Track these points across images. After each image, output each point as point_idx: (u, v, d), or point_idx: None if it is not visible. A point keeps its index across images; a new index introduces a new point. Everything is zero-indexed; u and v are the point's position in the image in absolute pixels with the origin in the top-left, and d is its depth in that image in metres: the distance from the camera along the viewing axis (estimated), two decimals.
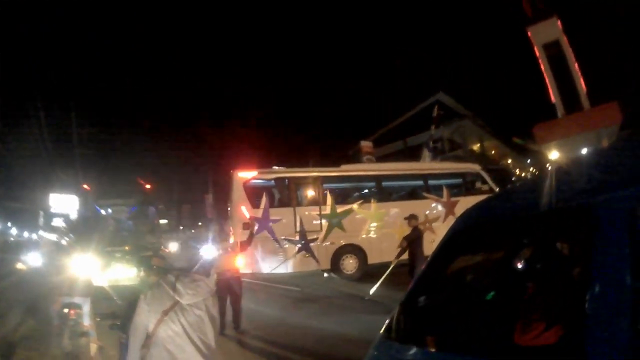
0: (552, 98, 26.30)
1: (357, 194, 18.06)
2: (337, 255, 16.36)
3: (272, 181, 16.58)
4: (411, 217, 12.16)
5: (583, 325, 2.12)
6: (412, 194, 18.46)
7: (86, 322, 8.55)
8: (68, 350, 8.25)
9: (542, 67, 26.36)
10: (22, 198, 46.81)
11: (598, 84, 25.80)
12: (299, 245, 15.06)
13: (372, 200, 16.30)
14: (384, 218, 15.82)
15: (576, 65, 25.31)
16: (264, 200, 15.13)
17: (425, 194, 17.57)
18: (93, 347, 8.74)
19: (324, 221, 15.84)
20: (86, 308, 8.64)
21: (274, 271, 15.66)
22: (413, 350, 3.17)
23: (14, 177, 42.44)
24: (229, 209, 17.16)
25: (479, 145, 42.90)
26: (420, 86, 43.73)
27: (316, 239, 15.28)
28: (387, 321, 3.45)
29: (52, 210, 49.58)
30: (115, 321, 5.41)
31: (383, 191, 17.99)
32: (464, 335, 3.20)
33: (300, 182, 17.19)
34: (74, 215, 43.33)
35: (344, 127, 39.18)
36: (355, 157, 28.02)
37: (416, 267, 11.17)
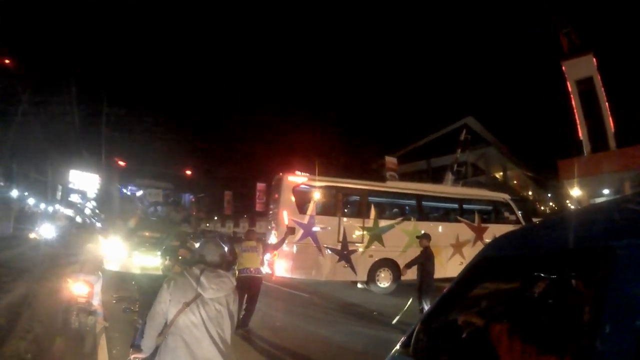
0: (580, 134, 26.11)
1: (396, 210, 18.06)
2: (374, 268, 16.15)
3: (320, 189, 16.32)
4: (423, 237, 12.06)
5: None
6: (447, 216, 18.62)
7: (95, 301, 8.63)
8: (74, 327, 8.29)
9: (573, 102, 26.16)
10: (43, 170, 47.13)
11: (627, 126, 25.64)
12: (340, 255, 15.24)
13: (412, 218, 16.67)
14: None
15: (607, 104, 25.11)
16: (311, 206, 15.29)
17: (459, 218, 17.83)
18: (99, 327, 8.87)
19: (365, 233, 15.91)
20: (97, 287, 8.70)
21: (311, 278, 15.77)
22: None
23: (38, 149, 42.66)
24: (272, 210, 17.13)
25: (501, 173, 42.70)
26: (450, 109, 43.68)
27: (356, 250, 15.47)
28: (405, 336, 3.49)
29: (71, 185, 49.95)
30: (129, 305, 5.43)
31: (422, 210, 18.01)
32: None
33: (347, 193, 17.23)
34: (92, 193, 43.62)
35: (370, 141, 39.03)
36: (378, 172, 28.03)
37: (422, 288, 11.27)
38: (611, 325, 2.14)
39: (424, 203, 18.09)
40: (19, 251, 20.77)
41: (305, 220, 15.04)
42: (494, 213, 19.57)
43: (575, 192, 27.73)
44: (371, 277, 16.01)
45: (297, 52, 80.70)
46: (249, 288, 10.08)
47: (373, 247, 15.94)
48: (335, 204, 16.45)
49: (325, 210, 16.04)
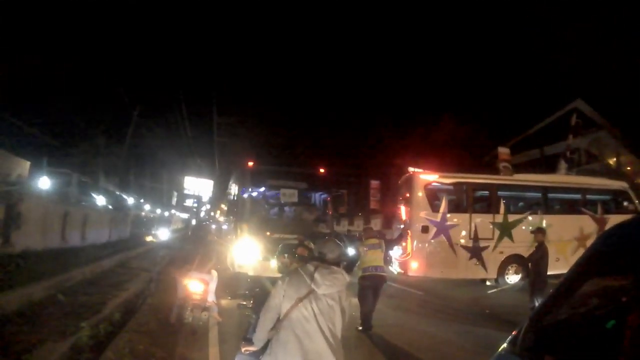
0: None
1: (523, 203, 17.75)
2: (504, 265, 15.93)
3: (451, 186, 16.26)
4: (537, 231, 11.70)
5: None
6: (571, 208, 17.90)
7: (210, 298, 9.02)
8: (187, 322, 8.69)
9: None
10: (158, 177, 48.92)
11: None
12: (472, 252, 15.16)
13: (539, 212, 16.27)
14: (549, 230, 14.51)
15: None
16: (443, 204, 15.25)
17: (583, 209, 17.22)
18: (213, 322, 9.16)
19: (495, 229, 15.74)
20: (212, 285, 9.06)
21: (444, 277, 15.72)
22: None
23: (153, 158, 44.32)
24: (401, 208, 16.87)
25: (615, 159, 40.97)
26: (558, 93, 42.23)
27: (487, 247, 15.35)
28: (513, 334, 3.44)
29: (186, 191, 51.68)
30: (244, 301, 5.57)
31: (548, 202, 17.52)
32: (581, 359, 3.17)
33: (476, 189, 17.02)
34: (206, 197, 44.94)
35: (479, 133, 38.17)
36: (490, 164, 27.54)
37: (534, 285, 10.89)
38: None
39: (549, 195, 17.57)
40: (137, 252, 21.61)
41: (438, 218, 14.94)
42: (614, 202, 18.65)
43: None
44: (501, 274, 15.75)
45: (407, 48, 79.80)
46: (376, 287, 9.92)
47: (503, 243, 15.65)
48: (466, 201, 16.29)
49: (456, 207, 15.90)
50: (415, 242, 14.74)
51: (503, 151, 24.14)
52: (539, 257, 11.01)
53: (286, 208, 14.52)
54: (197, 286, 8.77)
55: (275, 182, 14.23)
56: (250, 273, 12.63)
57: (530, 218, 16.22)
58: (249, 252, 12.77)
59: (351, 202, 15.75)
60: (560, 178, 19.83)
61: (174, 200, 53.87)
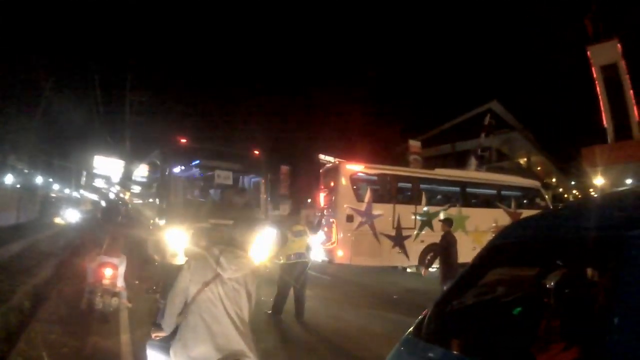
0: (604, 122, 25.93)
1: (442, 196, 18.32)
2: (424, 253, 16.42)
3: (376, 177, 16.61)
4: (444, 222, 12.15)
5: (602, 351, 2.16)
6: (487, 202, 18.85)
7: (120, 283, 8.78)
8: (98, 308, 8.41)
9: (598, 89, 25.97)
10: (68, 156, 47.63)
11: None
12: (395, 241, 15.53)
13: (458, 205, 17.17)
14: (465, 222, 16.52)
15: (631, 92, 24.89)
16: (368, 194, 15.45)
17: (498, 204, 18.35)
18: (123, 308, 8.98)
19: (417, 219, 16.28)
20: (121, 269, 8.82)
21: (368, 264, 15.92)
22: (437, 350, 3.24)
23: (62, 135, 43.07)
24: (324, 197, 16.98)
25: (525, 159, 42.43)
26: (474, 92, 43.36)
27: (410, 236, 15.83)
28: (418, 319, 3.51)
29: (95, 171, 50.42)
30: (152, 286, 5.50)
31: (466, 196, 18.36)
32: (488, 343, 3.31)
33: (400, 180, 17.28)
34: (116, 177, 44.06)
35: (393, 124, 38.72)
36: (402, 155, 28.00)
37: (445, 273, 11.18)
38: (623, 315, 2.17)
39: (468, 189, 18.49)
40: (45, 235, 20.92)
41: (363, 207, 15.20)
42: (527, 199, 19.93)
43: (599, 180, 27.64)
44: (422, 261, 16.21)
45: (326, 27, 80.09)
46: (299, 273, 9.92)
47: (424, 232, 16.28)
48: (390, 192, 16.60)
49: (380, 197, 16.15)
50: (340, 231, 14.96)
51: (414, 144, 24.74)
52: (445, 246, 11.41)
53: (212, 191, 14.09)
54: (105, 271, 8.51)
55: (208, 162, 13.60)
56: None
57: (449, 210, 16.85)
58: (180, 240, 12.07)
59: (277, 187, 15.54)
60: (479, 175, 20.85)
61: (83, 180, 52.55)
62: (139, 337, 7.17)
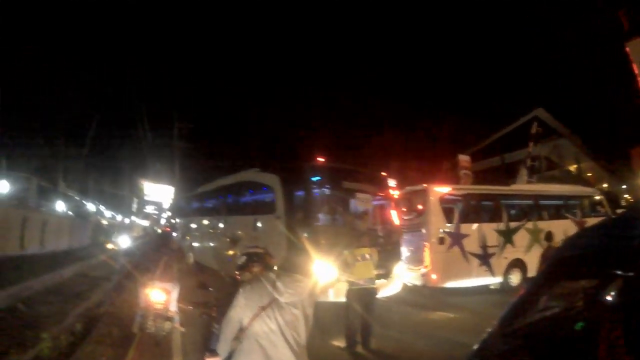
0: None
1: (519, 211, 18.16)
2: (507, 269, 16.45)
3: (462, 197, 16.46)
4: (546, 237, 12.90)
5: None
6: (556, 214, 18.65)
7: (173, 307, 8.75)
8: (150, 331, 8.43)
9: None
10: (117, 183, 48.39)
11: None
12: (482, 260, 15.58)
13: (533, 218, 17.09)
14: (540, 235, 16.05)
15: None
16: (456, 215, 15.52)
17: (567, 215, 18.29)
18: (176, 332, 9.00)
19: (500, 237, 16.28)
20: (174, 294, 8.83)
21: (460, 285, 15.70)
22: None
23: (112, 164, 43.87)
24: (412, 220, 16.51)
25: (575, 166, 41.69)
26: (519, 101, 42.85)
27: (494, 254, 15.81)
28: (481, 340, 3.43)
29: (146, 197, 51.07)
30: (206, 310, 5.48)
31: (540, 210, 18.28)
32: None
33: (482, 199, 17.51)
34: (166, 203, 44.45)
35: (441, 141, 38.54)
36: (451, 171, 27.73)
37: None
38: None
39: (540, 202, 18.52)
40: (97, 260, 21.19)
41: (452, 229, 15.22)
42: (589, 207, 19.85)
43: None
44: (505, 278, 16.35)
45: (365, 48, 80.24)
46: (366, 302, 9.41)
47: (507, 248, 16.24)
48: (474, 211, 16.69)
49: (466, 217, 16.06)
50: (433, 254, 14.89)
51: (463, 158, 24.29)
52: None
53: (337, 216, 13.43)
54: (159, 295, 8.53)
55: (349, 183, 13.06)
56: (337, 299, 10.45)
57: (526, 224, 16.92)
58: (328, 274, 10.23)
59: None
60: (546, 187, 20.67)
61: (134, 207, 53.28)
62: None
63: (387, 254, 11.21)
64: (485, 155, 38.98)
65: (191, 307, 6.26)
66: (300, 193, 12.69)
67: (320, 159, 12.50)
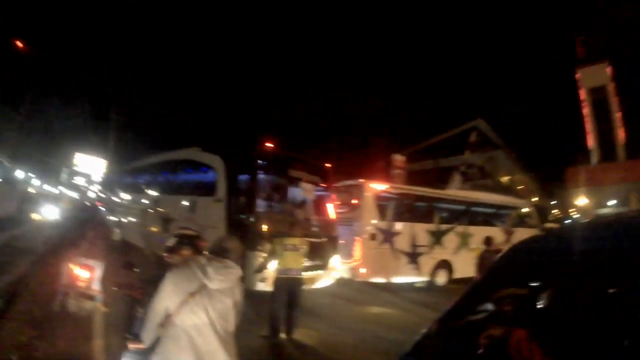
0: (589, 143, 26.30)
1: (450, 215, 18.77)
2: (434, 269, 17.01)
3: (397, 196, 16.85)
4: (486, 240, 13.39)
5: None
6: (487, 221, 19.62)
7: (96, 286, 8.44)
8: (72, 310, 8.17)
9: (585, 110, 26.31)
10: (50, 151, 47.12)
11: (637, 138, 25.76)
12: (411, 258, 15.99)
13: (464, 223, 17.96)
14: (470, 239, 17.43)
15: (619, 114, 25.25)
16: (390, 213, 15.80)
17: (496, 223, 19.50)
18: (98, 313, 8.73)
19: (430, 237, 16.79)
20: (98, 272, 8.55)
21: (387, 280, 16.03)
22: None
23: (46, 131, 42.83)
24: (346, 214, 16.75)
25: (508, 178, 42.77)
26: (460, 110, 43.73)
27: (423, 253, 16.33)
28: (417, 339, 3.45)
29: (77, 168, 49.96)
30: (130, 292, 5.24)
31: (471, 216, 19.02)
32: None
33: (417, 200, 17.78)
34: (97, 176, 43.59)
35: (377, 137, 38.99)
36: (385, 169, 28.02)
37: None
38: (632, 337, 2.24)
39: (472, 209, 19.24)
40: (22, 231, 20.61)
41: (385, 226, 15.50)
42: (520, 218, 20.96)
43: (581, 200, 27.99)
44: (432, 277, 16.89)
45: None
46: (291, 291, 9.34)
47: (435, 249, 16.79)
48: (408, 210, 17.01)
49: (399, 216, 16.42)
50: (364, 248, 15.07)
51: (398, 158, 24.67)
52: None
53: (278, 204, 13.07)
54: (82, 272, 8.19)
55: (295, 172, 12.87)
56: (269, 288, 10.06)
57: (456, 228, 17.68)
58: (271, 259, 10.13)
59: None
60: (481, 195, 21.34)
61: (64, 177, 52.04)
62: (114, 344, 6.98)
63: (323, 245, 11.07)
64: (420, 157, 39.52)
65: (115, 288, 5.98)
66: (244, 177, 12.30)
67: (269, 144, 12.22)
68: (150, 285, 4.29)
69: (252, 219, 11.45)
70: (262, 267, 9.98)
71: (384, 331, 10.09)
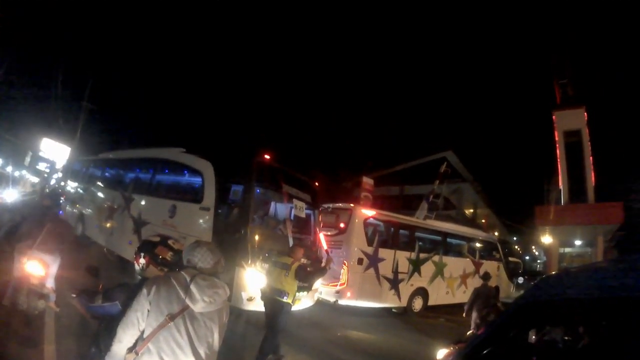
0: (560, 184, 26.96)
1: (429, 244, 19.41)
2: (412, 296, 17.46)
3: (384, 223, 17.20)
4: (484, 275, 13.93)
5: None
6: (459, 252, 20.57)
7: (49, 284, 8.07)
8: (21, 308, 7.66)
9: (558, 152, 26.98)
10: (15, 132, 46.28)
11: (607, 181, 26.55)
12: (392, 284, 16.33)
13: (440, 253, 18.62)
14: (444, 269, 18.31)
15: (591, 158, 25.88)
16: (376, 239, 15.95)
17: (466, 254, 20.53)
18: (50, 313, 8.35)
19: (410, 265, 17.15)
20: (54, 268, 8.18)
21: (370, 305, 16.25)
22: None
23: (17, 112, 42.11)
24: (329, 237, 16.05)
25: (472, 210, 43.39)
26: (430, 140, 44.33)
27: (403, 280, 16.76)
28: None
29: (41, 153, 49.07)
30: (92, 297, 4.63)
31: (446, 246, 19.63)
32: None
33: (401, 228, 17.99)
34: (60, 164, 42.83)
35: (345, 158, 39.28)
36: (352, 192, 28.00)
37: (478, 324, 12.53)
38: None
39: (447, 239, 19.94)
40: None
41: (371, 251, 15.68)
42: (486, 251, 22.10)
43: (546, 238, 28.45)
44: (409, 303, 17.35)
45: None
46: (272, 314, 8.67)
47: (414, 277, 17.27)
48: (393, 238, 17.27)
49: (384, 242, 16.69)
50: (351, 272, 15.15)
51: (367, 181, 24.77)
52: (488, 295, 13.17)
53: (270, 219, 12.92)
54: (36, 268, 7.82)
55: (288, 188, 12.51)
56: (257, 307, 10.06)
57: (434, 257, 18.32)
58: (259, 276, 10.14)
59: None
60: (455, 227, 22.08)
61: (27, 160, 51.17)
62: (65, 349, 6.68)
63: (313, 267, 10.77)
64: (386, 182, 39.73)
65: (73, 295, 5.40)
66: (237, 187, 12.12)
67: (267, 156, 12.02)
68: (113, 297, 3.91)
69: (243, 232, 11.01)
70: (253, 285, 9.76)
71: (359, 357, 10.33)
